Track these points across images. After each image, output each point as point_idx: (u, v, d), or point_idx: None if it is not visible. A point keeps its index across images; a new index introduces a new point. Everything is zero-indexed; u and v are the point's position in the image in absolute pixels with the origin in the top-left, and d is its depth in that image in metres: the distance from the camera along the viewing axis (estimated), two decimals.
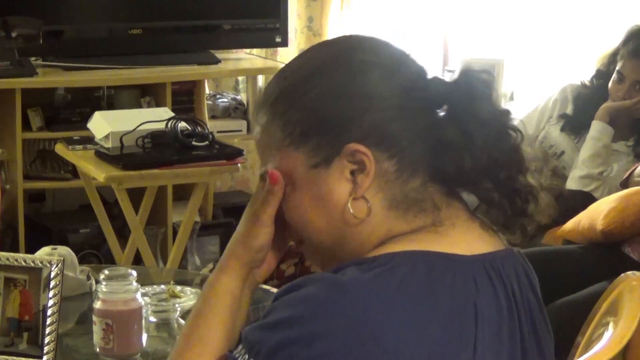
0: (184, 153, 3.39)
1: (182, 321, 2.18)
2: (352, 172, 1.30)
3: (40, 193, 4.57)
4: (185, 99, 4.65)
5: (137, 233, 3.55)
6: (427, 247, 1.28)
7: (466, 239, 1.31)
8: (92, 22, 4.53)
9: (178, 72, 4.52)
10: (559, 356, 1.66)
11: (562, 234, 3.46)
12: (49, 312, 1.89)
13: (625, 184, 3.51)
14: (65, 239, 4.23)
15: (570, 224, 3.42)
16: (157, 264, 3.94)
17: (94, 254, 4.30)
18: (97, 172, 3.36)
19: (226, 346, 1.33)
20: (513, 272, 1.33)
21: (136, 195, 3.65)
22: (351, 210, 1.30)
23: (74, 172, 4.15)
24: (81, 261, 2.73)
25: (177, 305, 2.23)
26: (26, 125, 4.23)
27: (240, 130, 4.75)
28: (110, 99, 4.47)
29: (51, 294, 1.90)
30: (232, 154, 3.46)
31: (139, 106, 4.46)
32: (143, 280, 2.17)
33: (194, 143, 3.40)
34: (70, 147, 3.57)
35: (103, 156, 3.40)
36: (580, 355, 1.68)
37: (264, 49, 4.99)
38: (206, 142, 3.42)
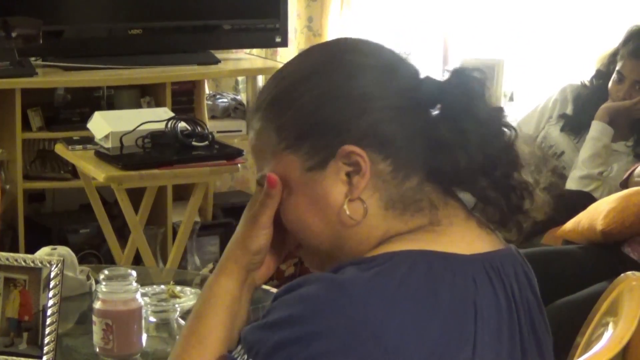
0: (183, 153, 3.39)
1: (182, 321, 2.18)
2: (348, 174, 1.30)
3: (40, 193, 4.57)
4: (185, 99, 4.65)
5: (137, 233, 3.55)
6: (425, 247, 1.28)
7: (465, 238, 1.31)
8: (92, 22, 4.53)
9: (178, 72, 4.51)
10: (558, 356, 1.66)
11: (562, 234, 3.46)
12: (49, 312, 1.89)
13: (625, 184, 3.51)
14: (65, 239, 4.23)
15: (570, 224, 3.42)
16: (157, 264, 3.94)
17: (94, 254, 4.29)
18: (97, 172, 3.36)
19: (225, 347, 1.33)
20: (512, 272, 1.34)
21: (136, 195, 3.65)
22: (347, 212, 1.30)
23: (73, 172, 4.14)
24: (81, 261, 2.73)
25: (176, 306, 2.23)
26: (26, 125, 4.23)
27: (240, 131, 4.75)
28: (110, 99, 4.47)
29: (51, 294, 1.90)
30: (231, 154, 3.46)
31: (139, 106, 4.46)
32: (143, 281, 2.17)
33: (193, 143, 3.40)
34: (70, 147, 3.57)
35: (103, 156, 3.40)
36: (580, 355, 1.68)
37: (263, 49, 4.99)
38: (206, 142, 3.42)
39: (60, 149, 3.64)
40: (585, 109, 3.91)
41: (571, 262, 3.25)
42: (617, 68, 3.85)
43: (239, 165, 3.47)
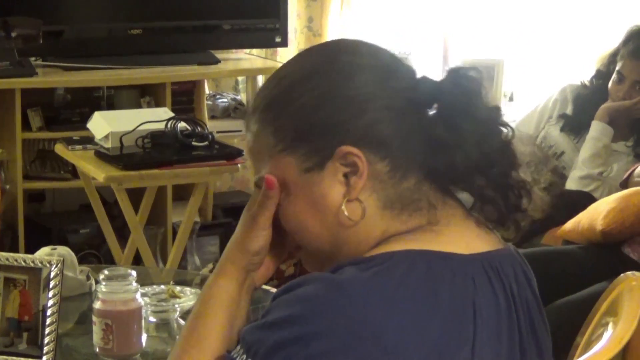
0: (183, 153, 3.39)
1: (181, 321, 2.18)
2: (345, 175, 1.30)
3: (40, 193, 4.57)
4: (185, 99, 4.65)
5: (137, 233, 3.55)
6: (424, 246, 1.28)
7: (464, 238, 1.31)
8: (92, 22, 4.53)
9: (178, 72, 4.51)
10: (558, 356, 1.66)
11: (562, 234, 3.46)
12: (49, 312, 1.89)
13: (625, 184, 3.51)
14: (65, 239, 4.23)
15: (570, 224, 3.42)
16: (157, 264, 3.94)
17: (94, 254, 4.29)
18: (97, 172, 3.36)
19: (224, 348, 1.33)
20: (511, 272, 1.34)
21: (136, 196, 3.65)
22: (345, 213, 1.30)
23: (73, 172, 4.14)
24: (81, 261, 2.73)
25: (176, 306, 2.23)
26: (26, 125, 4.23)
27: (240, 131, 4.75)
28: (110, 99, 4.46)
29: (51, 294, 1.90)
30: (231, 154, 3.46)
31: (139, 106, 4.46)
32: (143, 281, 2.17)
33: (193, 143, 3.40)
34: (70, 147, 3.57)
35: (103, 156, 3.40)
36: (580, 355, 1.68)
37: (263, 49, 4.99)
38: (206, 142, 3.43)
39: (60, 149, 3.64)
40: (585, 109, 3.91)
41: (571, 262, 3.25)
42: (617, 68, 3.85)
43: (239, 165, 3.47)
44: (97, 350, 2.03)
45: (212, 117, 4.77)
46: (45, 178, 4.34)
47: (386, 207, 1.31)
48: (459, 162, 1.30)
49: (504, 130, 1.34)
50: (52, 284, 1.90)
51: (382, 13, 5.15)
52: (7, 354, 1.91)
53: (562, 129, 3.95)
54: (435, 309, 1.23)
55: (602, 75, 3.96)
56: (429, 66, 4.90)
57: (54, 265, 1.90)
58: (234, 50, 4.92)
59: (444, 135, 1.30)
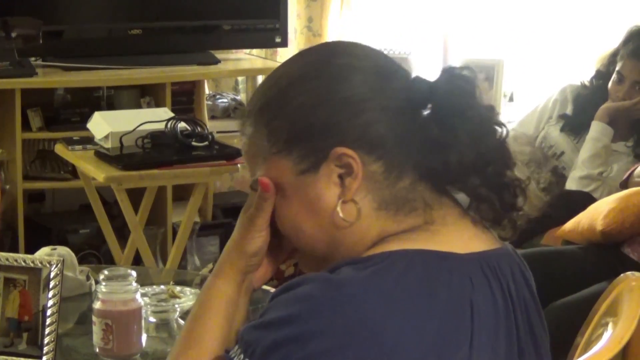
0: (183, 153, 3.39)
1: (181, 321, 2.18)
2: (340, 176, 1.30)
3: (40, 193, 4.57)
4: (185, 99, 4.65)
5: (137, 233, 3.55)
6: (421, 246, 1.28)
7: (461, 237, 1.32)
8: (92, 22, 4.53)
9: (178, 73, 4.51)
10: (558, 357, 1.66)
11: (561, 235, 3.46)
12: (49, 312, 1.89)
13: (625, 185, 3.51)
14: (65, 239, 4.23)
15: (570, 225, 3.42)
16: (157, 265, 3.94)
17: (94, 254, 4.29)
18: (97, 173, 3.36)
19: (222, 349, 1.33)
20: (509, 271, 1.34)
21: (136, 196, 3.65)
22: (341, 214, 1.30)
23: (73, 172, 4.15)
24: (81, 261, 2.73)
25: (176, 306, 2.23)
26: (26, 126, 4.23)
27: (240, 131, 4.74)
28: (110, 99, 4.46)
29: (51, 294, 1.90)
30: (231, 154, 3.46)
31: (139, 106, 4.46)
32: (143, 281, 2.17)
33: (193, 143, 3.40)
34: (70, 147, 3.57)
35: (103, 156, 3.40)
36: (580, 355, 1.68)
37: (263, 50, 4.99)
38: (206, 143, 3.43)
39: (60, 149, 3.64)
40: (585, 109, 3.91)
41: (571, 263, 3.25)
42: (617, 68, 3.85)
43: (239, 165, 3.47)
44: (97, 350, 2.03)
45: (212, 117, 4.77)
46: (45, 178, 4.34)
47: (381, 208, 1.31)
48: (454, 162, 1.30)
49: (499, 129, 1.34)
50: (52, 284, 1.90)
51: (382, 13, 5.15)
52: (7, 354, 1.92)
53: (562, 129, 3.95)
54: (433, 308, 1.24)
55: (602, 75, 3.95)
56: (429, 66, 4.90)
57: (54, 266, 1.90)
58: (233, 51, 4.92)
59: (438, 135, 1.30)
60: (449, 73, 1.34)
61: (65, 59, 4.37)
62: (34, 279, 1.91)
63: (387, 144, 1.30)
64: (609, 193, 3.59)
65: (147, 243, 3.60)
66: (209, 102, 4.80)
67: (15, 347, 1.91)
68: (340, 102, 1.31)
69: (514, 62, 5.06)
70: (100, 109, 4.12)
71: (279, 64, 1.43)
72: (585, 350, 1.68)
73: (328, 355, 1.20)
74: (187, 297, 2.26)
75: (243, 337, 1.26)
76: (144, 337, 2.06)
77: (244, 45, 4.87)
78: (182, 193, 4.35)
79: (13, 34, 4.13)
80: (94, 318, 2.02)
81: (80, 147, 3.55)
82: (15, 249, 4.07)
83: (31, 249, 3.20)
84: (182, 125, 3.40)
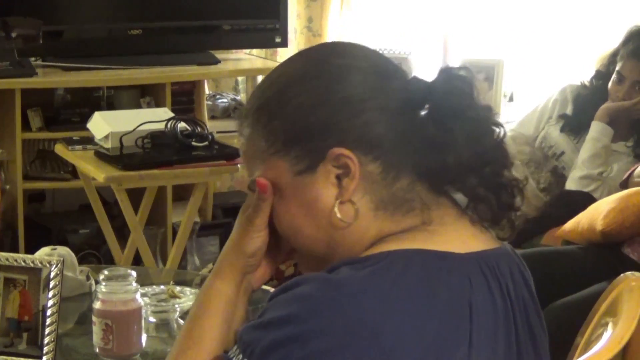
0: (183, 153, 3.39)
1: (181, 321, 2.18)
2: (338, 177, 1.31)
3: (40, 193, 4.57)
4: (184, 99, 4.65)
5: (137, 233, 3.55)
6: (420, 246, 1.28)
7: (459, 237, 1.32)
8: (92, 23, 4.53)
9: (178, 73, 4.51)
10: (558, 357, 1.66)
11: (561, 235, 3.46)
12: (49, 312, 1.89)
13: (624, 185, 3.51)
14: (65, 239, 4.23)
15: (569, 225, 3.42)
16: (157, 265, 3.93)
17: (94, 254, 4.29)
18: (97, 173, 3.36)
19: (221, 350, 1.34)
20: (507, 271, 1.34)
21: (136, 196, 3.65)
22: (338, 215, 1.30)
23: (73, 172, 4.15)
24: (81, 261, 2.73)
25: (176, 306, 2.23)
26: (26, 126, 4.23)
27: None
28: (110, 99, 4.46)
29: (51, 294, 1.90)
30: (231, 154, 3.45)
31: (139, 106, 4.46)
32: (143, 281, 2.17)
33: (193, 143, 3.40)
34: (70, 147, 3.57)
35: (103, 156, 3.40)
36: (580, 355, 1.68)
37: (263, 50, 4.99)
38: (206, 143, 3.43)
39: (60, 149, 3.64)
40: (585, 110, 3.91)
41: (571, 263, 3.25)
42: (617, 68, 3.85)
43: (239, 165, 3.47)
44: (97, 350, 2.03)
45: (212, 117, 4.77)
46: (45, 178, 4.34)
47: (379, 208, 1.31)
48: (451, 162, 1.30)
49: (496, 129, 1.34)
50: (52, 284, 1.90)
51: (382, 13, 5.15)
52: (7, 354, 1.92)
53: (562, 129, 3.95)
54: (431, 308, 1.24)
55: (602, 75, 3.95)
56: (429, 66, 4.90)
57: (54, 266, 1.90)
58: (233, 51, 4.92)
59: (436, 135, 1.31)
60: (446, 73, 1.34)
61: (65, 59, 4.37)
62: (34, 279, 1.91)
63: (384, 144, 1.30)
64: (609, 193, 3.59)
65: (147, 243, 3.60)
66: (209, 102, 4.80)
67: (15, 347, 1.91)
68: (338, 103, 1.31)
69: (514, 62, 5.06)
70: (100, 109, 4.12)
71: (278, 64, 1.43)
72: (585, 350, 1.68)
73: (327, 355, 1.20)
74: (187, 297, 2.26)
75: (242, 337, 1.26)
76: (144, 337, 2.06)
77: (244, 45, 4.87)
78: (182, 193, 4.35)
79: (13, 34, 4.13)
80: (94, 318, 2.02)
81: (80, 147, 3.55)
82: (15, 249, 4.07)
83: (31, 249, 3.21)
84: (182, 125, 3.40)
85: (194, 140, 3.40)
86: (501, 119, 4.76)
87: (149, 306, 2.20)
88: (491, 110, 1.35)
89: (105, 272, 2.04)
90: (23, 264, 1.91)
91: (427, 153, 1.31)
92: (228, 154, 3.45)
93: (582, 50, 4.92)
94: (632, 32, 3.87)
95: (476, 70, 4.90)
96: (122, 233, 3.91)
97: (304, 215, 1.32)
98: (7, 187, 4.21)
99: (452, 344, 1.25)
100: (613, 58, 3.90)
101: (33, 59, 4.31)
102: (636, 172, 3.50)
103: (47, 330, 1.89)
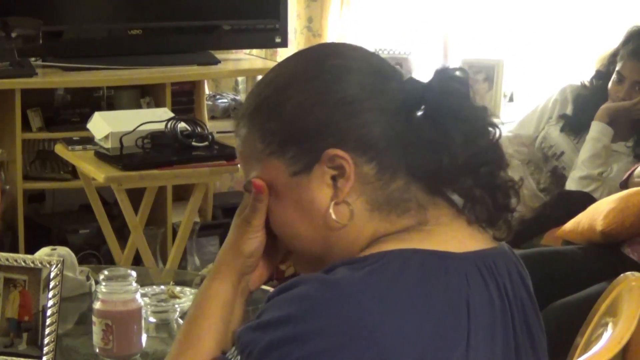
0: (183, 153, 3.39)
1: (181, 322, 2.18)
2: (333, 178, 1.31)
3: (40, 193, 4.57)
4: (184, 99, 4.65)
5: (137, 233, 3.55)
6: (417, 245, 1.28)
7: (456, 237, 1.32)
8: (92, 23, 4.53)
9: (178, 73, 4.52)
10: (558, 357, 1.66)
11: (562, 235, 3.46)
12: (49, 312, 1.89)
13: (625, 185, 3.51)
14: (65, 239, 4.23)
15: (569, 225, 3.42)
16: (157, 265, 3.94)
17: (94, 254, 4.29)
18: (97, 173, 3.36)
19: (219, 351, 1.34)
20: (505, 270, 1.34)
21: (136, 196, 3.65)
22: (333, 216, 1.30)
23: (73, 172, 4.15)
24: (81, 262, 2.73)
25: (176, 306, 2.23)
26: (26, 126, 4.24)
27: None
28: (110, 99, 4.47)
29: (51, 294, 1.90)
30: (231, 155, 3.45)
31: (139, 107, 4.46)
32: (143, 281, 2.17)
33: (193, 143, 3.40)
34: (70, 147, 3.57)
35: (103, 157, 3.40)
36: (580, 355, 1.68)
37: (263, 50, 4.99)
38: (206, 143, 3.43)
39: (60, 149, 3.64)
40: (585, 110, 3.91)
41: (571, 263, 3.25)
42: (617, 68, 3.85)
43: (239, 165, 3.47)
44: (97, 350, 2.03)
45: (212, 118, 4.77)
46: (45, 178, 4.34)
47: (374, 209, 1.31)
48: (445, 163, 1.30)
49: (492, 130, 1.34)
50: (52, 284, 1.90)
51: (382, 13, 5.15)
52: (7, 354, 1.92)
53: (562, 130, 3.95)
54: (429, 308, 1.24)
55: (602, 75, 3.95)
56: (429, 66, 4.90)
57: (54, 266, 1.90)
58: (233, 51, 4.92)
59: (431, 136, 1.30)
60: (442, 74, 1.34)
61: (65, 59, 4.37)
62: (34, 279, 1.91)
63: (380, 145, 1.30)
64: (609, 193, 3.59)
65: (147, 243, 3.60)
66: (209, 102, 4.80)
67: (15, 347, 1.92)
68: (333, 104, 1.31)
69: (514, 62, 5.06)
70: (100, 109, 4.12)
71: (275, 65, 1.43)
72: (585, 350, 1.68)
73: (325, 355, 1.20)
74: (187, 297, 2.26)
75: (240, 338, 1.26)
76: (144, 337, 2.06)
77: (244, 46, 4.87)
78: (182, 193, 4.35)
79: (13, 34, 4.13)
80: (94, 318, 2.02)
81: (80, 147, 3.55)
82: (15, 249, 4.08)
83: (31, 249, 3.21)
84: (182, 125, 3.40)
85: (194, 140, 3.40)
86: (501, 119, 4.79)
87: (149, 306, 2.20)
88: (487, 110, 1.35)
89: (105, 272, 2.04)
90: (23, 264, 1.91)
91: (423, 154, 1.31)
92: (228, 154, 3.45)
93: (582, 50, 4.92)
94: (632, 32, 3.87)
95: (476, 70, 4.90)
96: (122, 233, 3.91)
97: (300, 216, 1.33)
98: (7, 187, 4.21)
99: (450, 344, 1.25)
100: (613, 58, 3.90)
101: (33, 59, 4.31)
102: (636, 172, 3.50)
103: (47, 331, 1.89)
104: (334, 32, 4.99)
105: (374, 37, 5.10)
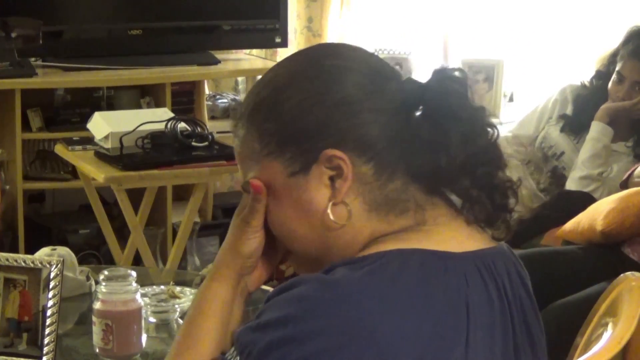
0: (183, 153, 3.39)
1: (181, 322, 2.17)
2: (331, 178, 1.30)
3: (40, 193, 4.57)
4: (185, 99, 4.65)
5: (137, 234, 3.55)
6: (416, 245, 1.28)
7: (455, 237, 1.32)
8: (92, 23, 4.53)
9: (178, 73, 4.52)
10: (558, 356, 1.66)
11: (562, 235, 3.46)
12: (49, 312, 1.89)
13: (625, 185, 3.51)
14: (65, 239, 4.23)
15: (570, 225, 3.42)
16: (157, 265, 3.94)
17: (94, 254, 4.29)
18: (97, 173, 3.36)
19: (218, 352, 1.34)
20: (504, 270, 1.34)
21: (136, 196, 3.65)
22: (331, 216, 1.30)
23: (73, 172, 4.15)
24: (81, 262, 2.73)
25: (176, 306, 2.23)
26: (26, 126, 4.24)
27: None
28: (110, 99, 4.47)
29: (51, 294, 1.90)
30: (231, 155, 3.41)
31: (139, 107, 4.46)
32: (143, 281, 2.17)
33: (193, 143, 3.40)
34: (69, 147, 3.57)
35: (103, 157, 3.40)
36: (580, 355, 1.68)
37: (263, 50, 4.99)
38: (206, 143, 3.43)
39: (60, 149, 3.64)
40: (585, 110, 3.91)
41: (571, 263, 3.25)
42: (617, 69, 3.85)
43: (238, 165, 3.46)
44: (97, 350, 2.03)
45: (212, 118, 4.77)
46: (45, 178, 4.34)
47: (372, 209, 1.31)
48: (443, 163, 1.30)
49: (490, 130, 1.34)
50: (52, 284, 1.90)
51: (382, 13, 5.15)
52: (7, 354, 1.92)
53: (562, 130, 3.95)
54: (428, 307, 1.24)
55: (602, 75, 3.95)
56: (429, 66, 4.89)
57: (54, 266, 1.90)
58: (233, 51, 4.92)
59: (429, 136, 1.30)
60: (440, 74, 1.34)
61: (65, 59, 4.37)
62: (34, 279, 1.91)
63: (378, 145, 1.30)
64: (609, 193, 3.59)
65: (147, 243, 3.60)
66: (209, 102, 4.80)
67: (15, 347, 1.92)
68: (331, 104, 1.31)
69: (514, 62, 5.06)
70: (100, 109, 4.12)
71: (273, 65, 1.43)
72: (585, 350, 1.68)
73: (325, 355, 1.20)
74: (187, 297, 2.26)
75: (239, 339, 1.26)
76: (144, 337, 2.06)
77: (243, 46, 4.88)
78: (182, 193, 4.35)
79: (13, 34, 4.13)
80: (94, 318, 2.02)
81: (80, 147, 3.55)
82: (15, 249, 4.08)
83: (31, 249, 3.20)
84: (182, 125, 3.40)
85: (194, 140, 3.40)
86: (501, 119, 4.80)
87: (149, 306, 2.20)
88: (485, 111, 1.35)
89: (105, 272, 2.04)
90: (23, 264, 1.91)
91: (421, 154, 1.31)
92: (228, 154, 3.45)
93: (582, 50, 4.92)
94: (632, 32, 3.87)
95: (476, 71, 4.90)
96: (122, 233, 3.91)
97: (298, 217, 1.32)
98: (7, 187, 4.21)
99: (449, 343, 1.25)
100: (613, 58, 3.90)
101: (33, 59, 4.31)
102: (636, 172, 3.50)
103: (47, 331, 1.89)
104: (334, 32, 4.99)
105: (374, 37, 5.10)
